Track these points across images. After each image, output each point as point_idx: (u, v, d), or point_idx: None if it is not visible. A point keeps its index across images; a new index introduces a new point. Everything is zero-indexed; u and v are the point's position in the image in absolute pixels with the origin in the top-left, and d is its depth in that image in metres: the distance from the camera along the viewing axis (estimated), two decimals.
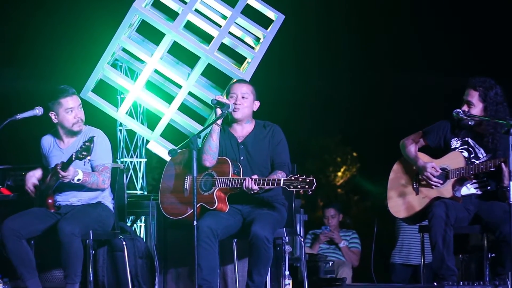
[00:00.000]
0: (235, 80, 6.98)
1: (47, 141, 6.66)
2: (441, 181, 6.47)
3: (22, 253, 6.31)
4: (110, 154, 6.62)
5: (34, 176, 6.64)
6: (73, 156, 6.22)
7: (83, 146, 6.20)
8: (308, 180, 5.95)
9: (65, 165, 6.26)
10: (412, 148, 6.64)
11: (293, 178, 6.00)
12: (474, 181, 6.50)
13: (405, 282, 8.94)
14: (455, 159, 6.47)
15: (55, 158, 6.51)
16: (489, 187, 6.49)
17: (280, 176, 6.16)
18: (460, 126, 6.54)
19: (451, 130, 6.58)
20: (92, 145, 6.21)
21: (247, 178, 6.15)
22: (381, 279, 7.34)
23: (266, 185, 6.10)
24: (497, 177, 6.34)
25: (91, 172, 6.46)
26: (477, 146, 6.51)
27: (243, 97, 6.44)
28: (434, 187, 6.49)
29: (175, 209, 6.44)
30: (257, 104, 6.52)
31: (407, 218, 6.70)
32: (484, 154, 6.49)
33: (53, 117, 6.53)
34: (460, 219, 6.38)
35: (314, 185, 5.93)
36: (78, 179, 6.33)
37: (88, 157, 6.24)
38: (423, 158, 6.60)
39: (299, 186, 5.96)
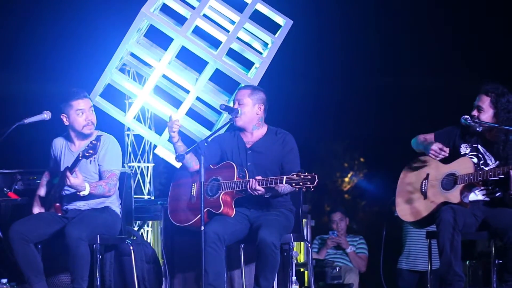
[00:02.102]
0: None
1: (59, 143, 6.67)
2: (446, 152, 6.46)
3: (29, 256, 6.31)
4: (120, 161, 6.62)
5: (35, 209, 6.66)
6: (80, 155, 6.24)
7: (90, 145, 6.24)
8: (310, 177, 5.96)
9: (72, 166, 6.27)
10: (422, 138, 6.63)
11: (295, 176, 6.00)
12: (482, 188, 6.48)
13: None
14: (464, 165, 6.45)
15: (66, 161, 6.53)
16: (497, 194, 6.47)
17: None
18: (470, 132, 6.52)
19: (460, 136, 6.57)
20: (98, 144, 6.24)
21: (251, 179, 6.16)
22: (387, 285, 7.33)
23: (270, 184, 6.10)
24: (506, 184, 6.32)
25: (98, 183, 6.44)
26: (487, 153, 6.49)
27: (239, 104, 6.43)
28: (442, 192, 6.47)
29: (183, 217, 6.44)
30: (261, 107, 6.48)
31: (414, 223, 6.70)
32: (494, 161, 6.47)
33: (64, 119, 6.55)
34: (467, 225, 6.36)
35: (316, 181, 5.94)
36: (83, 194, 6.34)
37: (94, 156, 6.27)
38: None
39: (301, 183, 5.96)
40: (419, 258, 9.08)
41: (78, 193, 6.35)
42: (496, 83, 6.50)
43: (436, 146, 6.48)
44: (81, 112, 6.50)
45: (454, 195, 6.43)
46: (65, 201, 6.55)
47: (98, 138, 6.29)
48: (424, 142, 6.61)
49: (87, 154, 6.23)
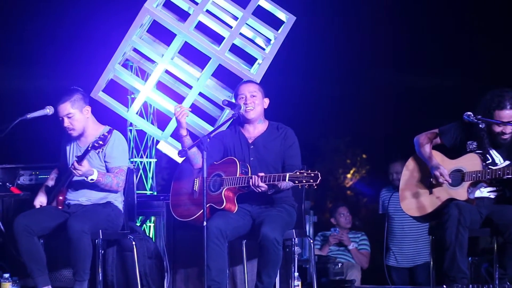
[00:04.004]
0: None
1: (68, 139, 6.69)
2: (449, 180, 6.44)
3: (33, 249, 6.32)
4: (127, 157, 6.64)
5: (38, 199, 6.66)
6: (89, 146, 6.26)
7: (101, 136, 6.26)
8: (313, 174, 5.95)
9: (81, 157, 6.29)
10: (427, 148, 6.59)
11: (298, 173, 6.00)
12: (488, 185, 6.44)
13: (405, 284, 8.93)
14: (471, 161, 6.42)
15: (74, 156, 6.54)
16: (503, 192, 6.44)
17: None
18: (475, 130, 6.48)
19: (466, 133, 6.53)
20: (109, 136, 6.25)
21: (254, 176, 6.16)
22: (386, 281, 7.35)
23: (272, 181, 6.10)
24: None
25: (107, 173, 6.47)
26: (495, 153, 6.46)
27: (252, 96, 6.45)
28: (448, 188, 6.45)
29: (185, 211, 6.45)
30: (266, 101, 6.53)
31: (419, 217, 6.68)
32: (502, 161, 6.44)
33: None
34: (473, 222, 6.35)
35: (319, 179, 5.93)
36: (92, 179, 6.35)
37: (103, 147, 6.29)
38: (436, 157, 6.56)
39: (304, 181, 5.96)
40: (405, 256, 9.07)
41: (85, 178, 6.35)
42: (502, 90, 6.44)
43: (440, 172, 6.45)
44: (60, 119, 6.54)
45: (460, 192, 6.41)
46: (69, 196, 6.56)
47: (110, 131, 6.33)
48: (425, 153, 6.57)
49: (97, 145, 6.26)
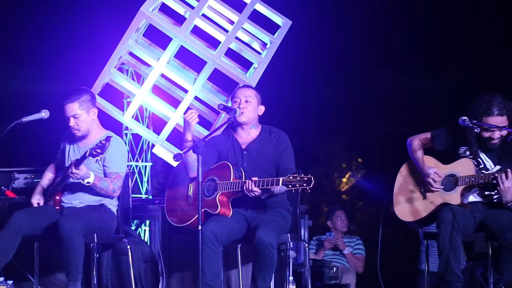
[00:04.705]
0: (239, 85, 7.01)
1: (70, 138, 6.67)
2: (442, 187, 6.46)
3: (4, 243, 6.28)
4: (125, 162, 6.62)
5: (35, 197, 6.65)
6: (87, 153, 6.24)
7: (99, 144, 6.22)
8: (306, 178, 5.96)
9: (78, 161, 6.27)
10: (419, 154, 6.61)
11: (291, 177, 6.01)
12: (481, 190, 6.45)
13: None
14: (465, 166, 6.44)
15: (73, 156, 6.53)
16: (494, 197, 6.45)
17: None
18: (469, 134, 6.49)
19: (459, 137, 6.54)
20: (107, 144, 6.23)
21: (247, 180, 6.16)
22: (380, 286, 7.33)
23: (266, 185, 6.10)
24: None
25: (103, 178, 6.46)
26: (486, 157, 6.47)
27: (246, 101, 6.45)
28: (442, 193, 6.47)
29: (180, 217, 6.45)
30: (262, 109, 6.52)
31: (412, 222, 6.69)
32: (493, 166, 6.46)
33: None
34: (466, 226, 6.36)
35: (312, 183, 5.94)
36: (88, 182, 6.33)
37: (101, 155, 6.27)
38: (430, 162, 6.58)
39: (298, 185, 5.97)
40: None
41: (82, 181, 6.33)
42: (495, 95, 6.44)
43: (433, 176, 6.47)
44: (67, 118, 6.52)
45: (454, 197, 6.42)
46: (63, 198, 6.56)
47: (107, 139, 6.27)
48: (418, 159, 6.58)
49: (94, 153, 6.22)
